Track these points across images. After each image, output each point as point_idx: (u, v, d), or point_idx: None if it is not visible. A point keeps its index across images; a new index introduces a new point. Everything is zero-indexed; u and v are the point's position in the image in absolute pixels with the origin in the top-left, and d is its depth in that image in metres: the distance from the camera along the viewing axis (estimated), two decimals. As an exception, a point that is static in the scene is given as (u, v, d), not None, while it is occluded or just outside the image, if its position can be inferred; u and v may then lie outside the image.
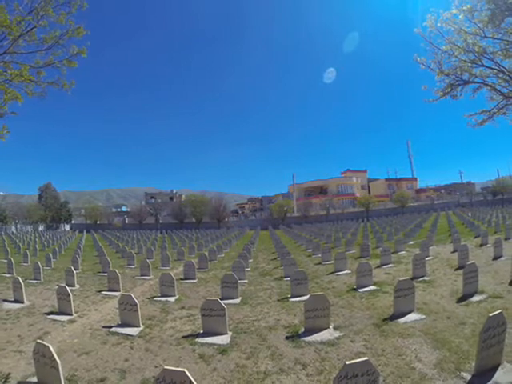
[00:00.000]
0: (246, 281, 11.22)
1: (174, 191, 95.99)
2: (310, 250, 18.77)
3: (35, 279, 12.42)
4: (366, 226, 32.92)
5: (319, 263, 14.51)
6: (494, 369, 4.26)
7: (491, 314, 4.24)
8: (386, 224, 34.62)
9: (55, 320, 7.48)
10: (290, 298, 8.71)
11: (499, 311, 4.36)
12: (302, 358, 5.08)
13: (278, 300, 8.68)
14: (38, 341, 4.43)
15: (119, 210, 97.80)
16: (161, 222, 63.59)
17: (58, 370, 4.15)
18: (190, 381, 3.08)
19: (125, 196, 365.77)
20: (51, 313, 8.02)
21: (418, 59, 9.61)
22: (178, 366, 4.45)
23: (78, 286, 11.15)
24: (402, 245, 16.50)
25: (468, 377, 4.23)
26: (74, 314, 7.79)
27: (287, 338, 5.97)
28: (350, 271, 11.91)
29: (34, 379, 4.53)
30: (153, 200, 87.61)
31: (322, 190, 78.70)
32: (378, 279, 10.19)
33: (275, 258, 16.89)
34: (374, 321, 6.57)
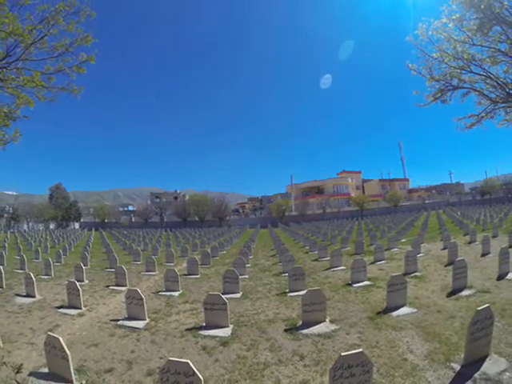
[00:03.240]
0: (246, 276, 11.21)
1: (178, 191, 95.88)
2: (308, 247, 18.74)
3: (46, 275, 12.41)
4: (360, 225, 32.89)
5: (316, 260, 14.50)
6: (482, 360, 4.27)
7: (479, 308, 4.24)
8: (380, 222, 34.59)
9: (65, 313, 7.48)
10: (288, 292, 8.71)
11: (487, 305, 4.36)
12: (300, 350, 5.08)
13: (277, 295, 8.67)
14: (49, 333, 4.44)
15: (126, 209, 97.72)
16: (165, 220, 63.56)
17: (67, 360, 4.16)
18: (194, 371, 3.09)
19: (131, 196, 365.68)
20: (61, 307, 8.02)
21: (410, 66, 9.60)
22: (181, 358, 4.44)
23: (86, 282, 11.14)
24: (394, 242, 16.48)
25: (457, 367, 4.23)
26: (83, 308, 7.79)
27: (286, 330, 5.97)
28: (345, 267, 11.90)
29: (46, 370, 4.54)
30: (158, 200, 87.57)
31: (318, 190, 78.67)
32: (371, 275, 10.18)
33: (274, 255, 16.87)
34: (368, 314, 6.57)
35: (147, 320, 6.79)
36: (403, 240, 19.38)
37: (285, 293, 8.75)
